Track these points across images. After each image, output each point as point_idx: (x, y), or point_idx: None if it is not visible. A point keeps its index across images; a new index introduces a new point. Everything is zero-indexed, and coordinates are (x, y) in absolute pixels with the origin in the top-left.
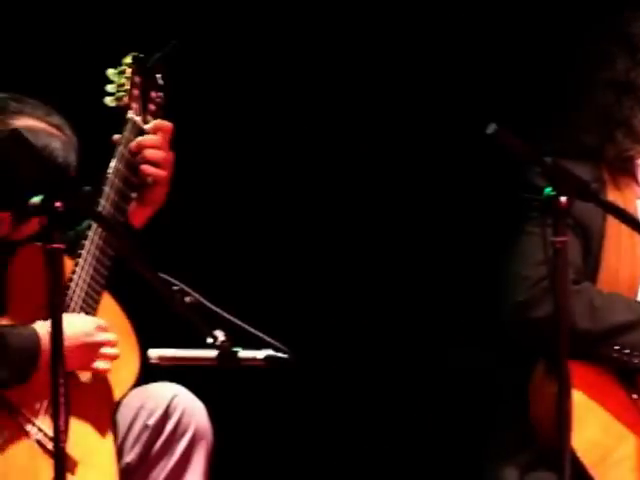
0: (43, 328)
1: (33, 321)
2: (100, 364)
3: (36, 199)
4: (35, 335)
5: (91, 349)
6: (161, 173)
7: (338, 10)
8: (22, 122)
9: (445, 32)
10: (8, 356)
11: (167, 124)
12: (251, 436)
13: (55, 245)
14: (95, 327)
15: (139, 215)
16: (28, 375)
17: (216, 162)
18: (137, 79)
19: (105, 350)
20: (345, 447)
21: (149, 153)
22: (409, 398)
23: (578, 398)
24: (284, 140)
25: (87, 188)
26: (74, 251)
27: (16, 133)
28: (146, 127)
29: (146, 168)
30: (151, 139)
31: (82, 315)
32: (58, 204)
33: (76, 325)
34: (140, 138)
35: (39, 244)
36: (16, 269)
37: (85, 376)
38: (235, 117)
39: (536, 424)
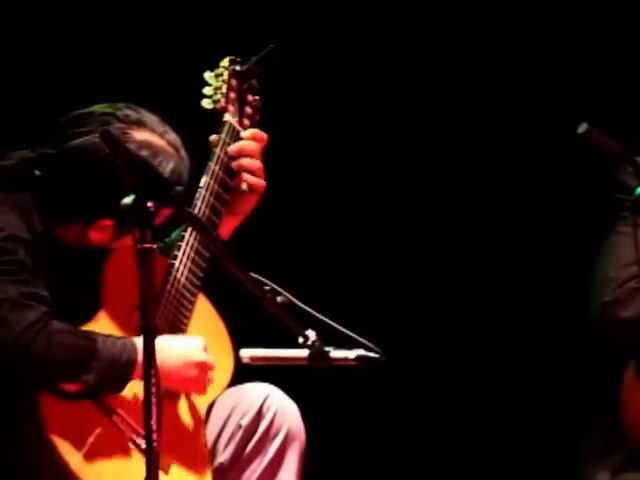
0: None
1: (129, 321)
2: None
3: (128, 199)
4: (132, 347)
5: (198, 370)
6: (261, 182)
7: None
8: (143, 135)
9: (536, 33)
10: (95, 362)
11: (263, 135)
12: (343, 436)
13: (147, 245)
14: (202, 347)
15: (227, 225)
16: (120, 386)
17: (309, 163)
18: (234, 82)
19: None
20: (434, 446)
21: (246, 162)
22: (494, 399)
23: None
24: (377, 142)
25: (179, 188)
26: (169, 256)
27: (107, 134)
28: (243, 134)
29: (246, 177)
30: (250, 146)
31: (190, 336)
32: (150, 204)
33: (185, 343)
34: (240, 144)
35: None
36: (111, 270)
37: None
38: (328, 121)
39: (628, 425)
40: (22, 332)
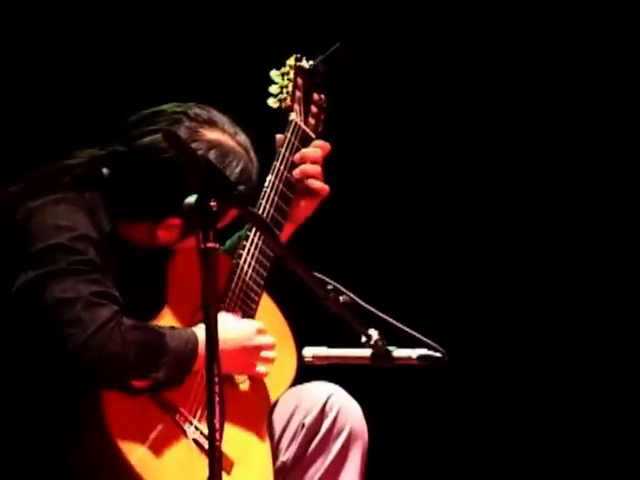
0: (203, 332)
1: (192, 321)
2: (259, 368)
3: (190, 199)
4: (194, 338)
5: (251, 353)
6: (326, 187)
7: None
8: (214, 135)
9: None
10: (165, 357)
11: (327, 145)
12: (405, 435)
13: (210, 244)
14: (255, 330)
15: (284, 230)
16: (183, 378)
17: (372, 163)
18: (300, 81)
19: (264, 353)
20: (495, 445)
21: (310, 168)
22: (557, 399)
23: None
24: (439, 142)
25: (242, 188)
26: (233, 255)
27: (170, 133)
28: (309, 148)
29: (311, 182)
30: (314, 154)
31: (242, 319)
32: (213, 203)
33: (237, 329)
34: (305, 151)
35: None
36: (176, 270)
37: (242, 377)
38: (392, 120)
39: None
40: (96, 331)
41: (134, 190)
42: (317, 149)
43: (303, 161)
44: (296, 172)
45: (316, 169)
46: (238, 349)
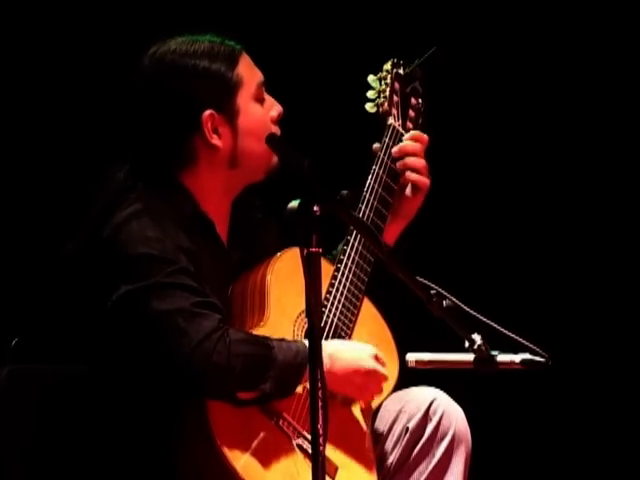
0: None
1: (295, 326)
2: (370, 395)
3: (294, 203)
4: (303, 351)
5: (364, 375)
6: (424, 180)
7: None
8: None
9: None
10: (272, 370)
11: (424, 136)
12: (508, 439)
13: (313, 249)
14: (371, 354)
15: (392, 230)
16: (291, 390)
17: (475, 164)
18: (397, 85)
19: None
20: (599, 450)
21: (410, 160)
22: None
23: None
24: (542, 142)
25: (345, 192)
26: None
27: (273, 137)
28: (405, 137)
29: (409, 175)
30: (413, 146)
31: (362, 343)
32: (315, 208)
33: (351, 350)
34: (402, 144)
35: (297, 248)
36: (276, 275)
37: None
38: (492, 123)
39: None
40: (201, 342)
41: (150, 117)
42: (415, 142)
43: (403, 154)
44: (398, 164)
45: (418, 162)
46: (350, 370)
